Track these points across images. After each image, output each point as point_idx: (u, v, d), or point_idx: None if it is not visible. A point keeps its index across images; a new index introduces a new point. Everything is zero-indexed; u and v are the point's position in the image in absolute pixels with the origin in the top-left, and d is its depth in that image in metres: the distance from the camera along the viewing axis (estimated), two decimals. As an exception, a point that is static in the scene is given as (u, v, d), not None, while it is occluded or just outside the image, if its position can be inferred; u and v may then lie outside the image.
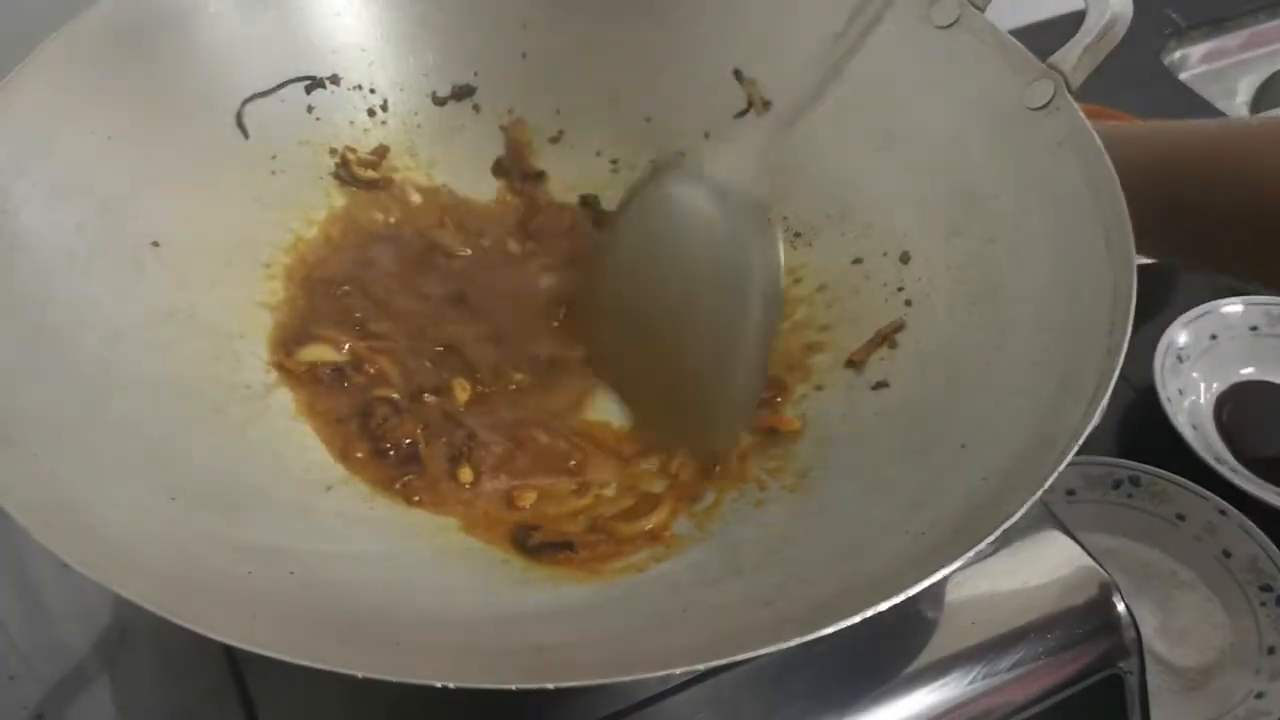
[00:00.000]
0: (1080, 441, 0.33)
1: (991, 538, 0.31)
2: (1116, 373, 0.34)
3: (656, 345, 0.46)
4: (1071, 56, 0.43)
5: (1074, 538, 0.43)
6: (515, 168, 0.53)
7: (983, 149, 0.45)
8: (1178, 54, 0.89)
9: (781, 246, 0.47)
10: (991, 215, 0.44)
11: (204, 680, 0.44)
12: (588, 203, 0.53)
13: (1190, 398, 0.65)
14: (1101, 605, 0.41)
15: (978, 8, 0.47)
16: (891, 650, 0.40)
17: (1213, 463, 0.59)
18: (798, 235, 0.51)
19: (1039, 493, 0.31)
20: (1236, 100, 0.88)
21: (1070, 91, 0.43)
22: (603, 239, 0.50)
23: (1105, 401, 0.34)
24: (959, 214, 0.45)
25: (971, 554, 0.30)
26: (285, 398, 0.44)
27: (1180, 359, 0.65)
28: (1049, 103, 0.44)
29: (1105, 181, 0.41)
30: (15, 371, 0.36)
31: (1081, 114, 0.43)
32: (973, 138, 0.46)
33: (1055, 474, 0.32)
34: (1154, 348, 0.65)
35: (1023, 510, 0.31)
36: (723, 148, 0.46)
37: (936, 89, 0.47)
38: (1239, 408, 0.65)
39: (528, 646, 0.32)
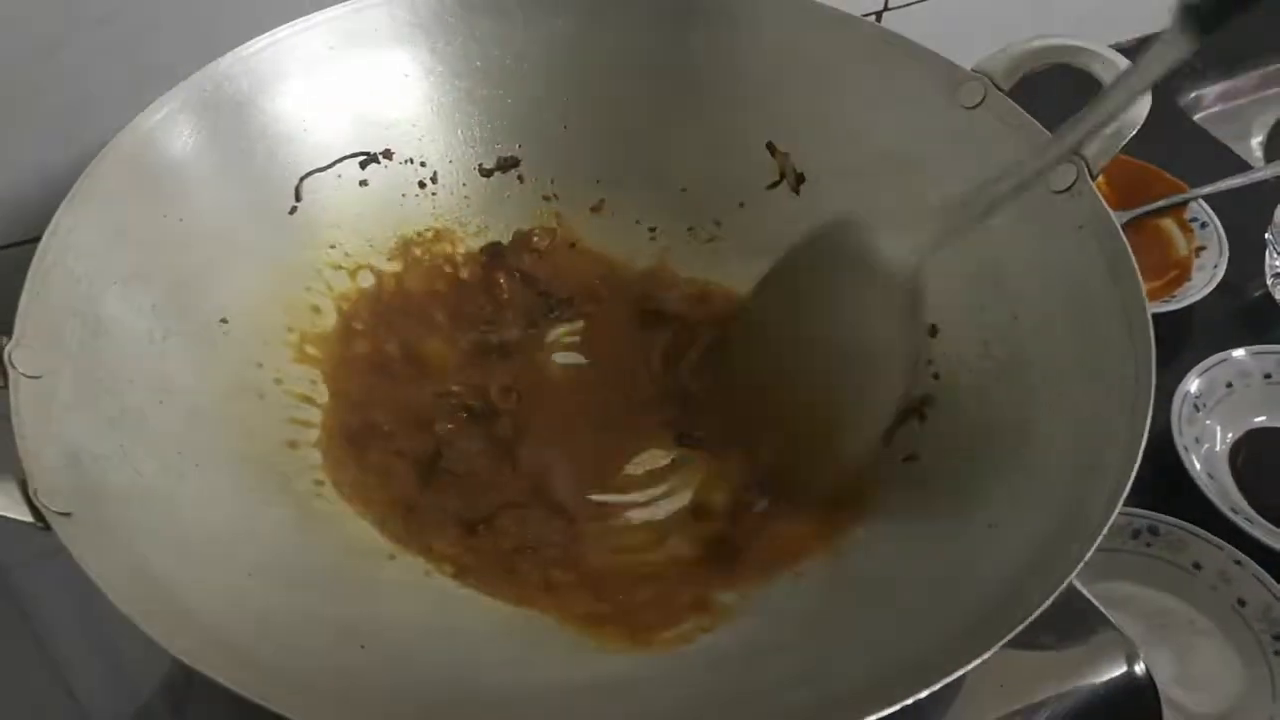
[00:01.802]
0: (1104, 533, 0.35)
1: (1022, 627, 0.33)
2: (1137, 464, 0.37)
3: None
4: (1094, 143, 0.46)
5: (1095, 603, 0.45)
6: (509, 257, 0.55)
7: (1007, 228, 0.47)
8: (1192, 95, 0.90)
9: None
10: (1016, 293, 0.47)
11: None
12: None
13: (1206, 445, 0.67)
14: (1124, 671, 0.43)
15: (1001, 90, 0.49)
16: (917, 714, 0.42)
17: (1228, 512, 0.61)
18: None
19: (1065, 583, 0.34)
20: (1252, 141, 0.90)
21: (1092, 177, 0.45)
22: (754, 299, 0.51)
23: (1126, 493, 0.36)
24: (985, 290, 0.48)
25: (1003, 643, 0.32)
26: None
27: (1196, 407, 0.67)
28: (1071, 186, 0.46)
29: (1125, 268, 0.43)
30: (107, 456, 0.39)
31: (1102, 200, 0.45)
32: (998, 216, 0.48)
33: (1080, 565, 0.34)
34: (1170, 395, 0.67)
35: (1050, 600, 0.33)
36: (891, 233, 0.45)
37: (963, 167, 0.49)
38: (1253, 455, 0.66)
39: (586, 723, 0.35)
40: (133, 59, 0.52)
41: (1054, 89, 0.50)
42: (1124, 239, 0.43)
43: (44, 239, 0.41)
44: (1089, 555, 0.34)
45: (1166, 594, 0.61)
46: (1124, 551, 0.62)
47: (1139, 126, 0.46)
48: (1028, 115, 0.48)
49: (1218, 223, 0.74)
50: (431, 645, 0.39)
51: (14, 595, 0.50)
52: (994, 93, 0.48)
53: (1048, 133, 0.47)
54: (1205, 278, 0.74)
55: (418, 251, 0.54)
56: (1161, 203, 0.75)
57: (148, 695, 0.52)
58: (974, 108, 0.49)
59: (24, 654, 0.49)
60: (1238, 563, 0.60)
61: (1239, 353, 0.69)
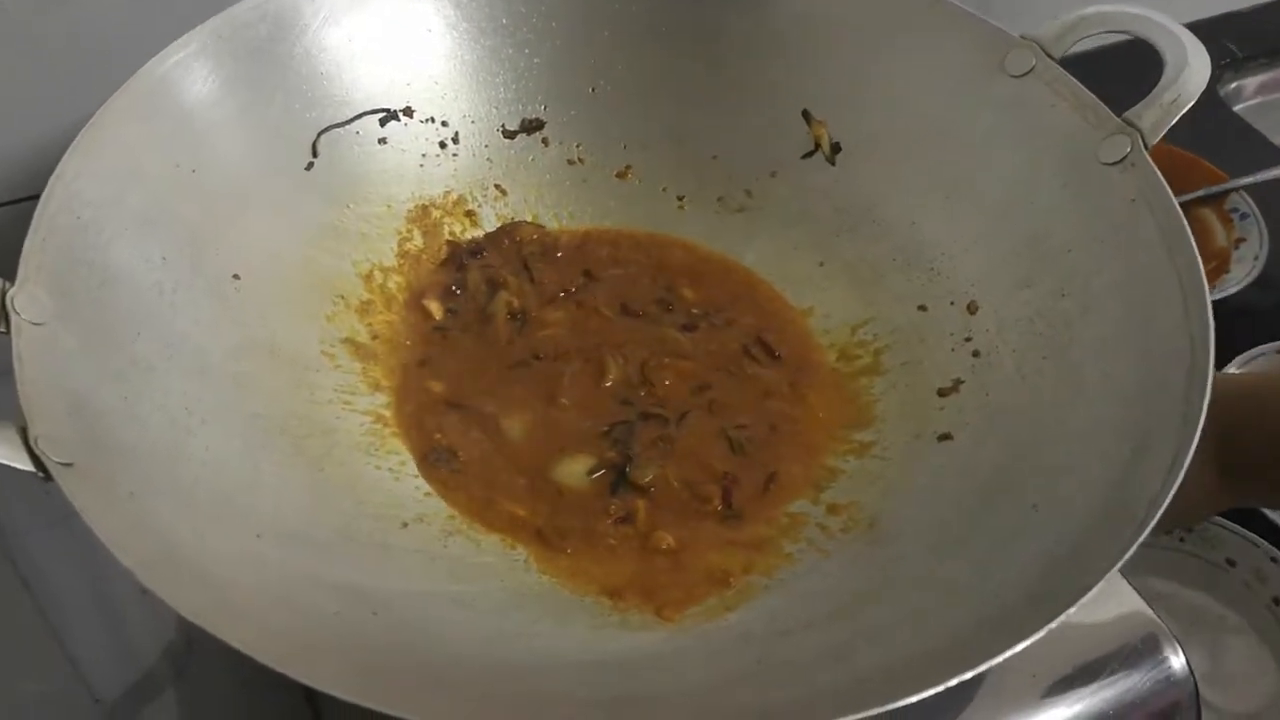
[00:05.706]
0: (1161, 512, 0.33)
1: (1070, 611, 0.31)
2: (1195, 442, 0.35)
3: None
4: (1149, 113, 0.44)
5: (1136, 592, 0.43)
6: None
7: (1054, 201, 0.46)
8: (1233, 85, 0.88)
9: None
10: (1062, 269, 0.45)
11: (274, 691, 0.44)
12: None
13: (1243, 440, 0.65)
14: (1163, 662, 0.41)
15: (1052, 57, 0.47)
16: (952, 700, 0.41)
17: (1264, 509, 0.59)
18: (862, 276, 0.51)
19: (1118, 564, 0.32)
20: (1290, 133, 0.88)
21: (1147, 149, 0.43)
22: None
23: (1183, 474, 0.34)
24: (1029, 266, 0.46)
25: (1046, 630, 0.31)
26: (361, 431, 0.45)
27: (1234, 401, 0.65)
28: (1124, 158, 0.44)
29: (1180, 241, 0.41)
30: (114, 410, 0.37)
31: (1158, 172, 0.43)
32: (1044, 189, 0.46)
33: (1135, 545, 0.32)
34: (1208, 388, 0.65)
35: (1101, 583, 0.31)
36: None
37: (1008, 138, 0.47)
38: (1292, 451, 0.65)
39: (607, 699, 0.33)
40: (143, 9, 0.51)
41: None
42: (1179, 211, 0.41)
43: (49, 184, 0.40)
44: (1140, 540, 0.33)
45: (1199, 591, 0.60)
46: (1155, 547, 0.60)
47: (1197, 97, 0.44)
48: (1079, 84, 0.46)
49: (1258, 214, 0.72)
50: (445, 614, 0.38)
51: (16, 561, 0.49)
52: (1044, 60, 0.46)
53: (1102, 105, 0.45)
54: (1244, 269, 0.72)
55: (436, 214, 0.52)
56: (1201, 192, 0.73)
57: (150, 661, 0.50)
58: (1022, 76, 0.47)
59: (26, 620, 0.47)
60: (1273, 560, 0.58)
61: (1277, 346, 0.67)
